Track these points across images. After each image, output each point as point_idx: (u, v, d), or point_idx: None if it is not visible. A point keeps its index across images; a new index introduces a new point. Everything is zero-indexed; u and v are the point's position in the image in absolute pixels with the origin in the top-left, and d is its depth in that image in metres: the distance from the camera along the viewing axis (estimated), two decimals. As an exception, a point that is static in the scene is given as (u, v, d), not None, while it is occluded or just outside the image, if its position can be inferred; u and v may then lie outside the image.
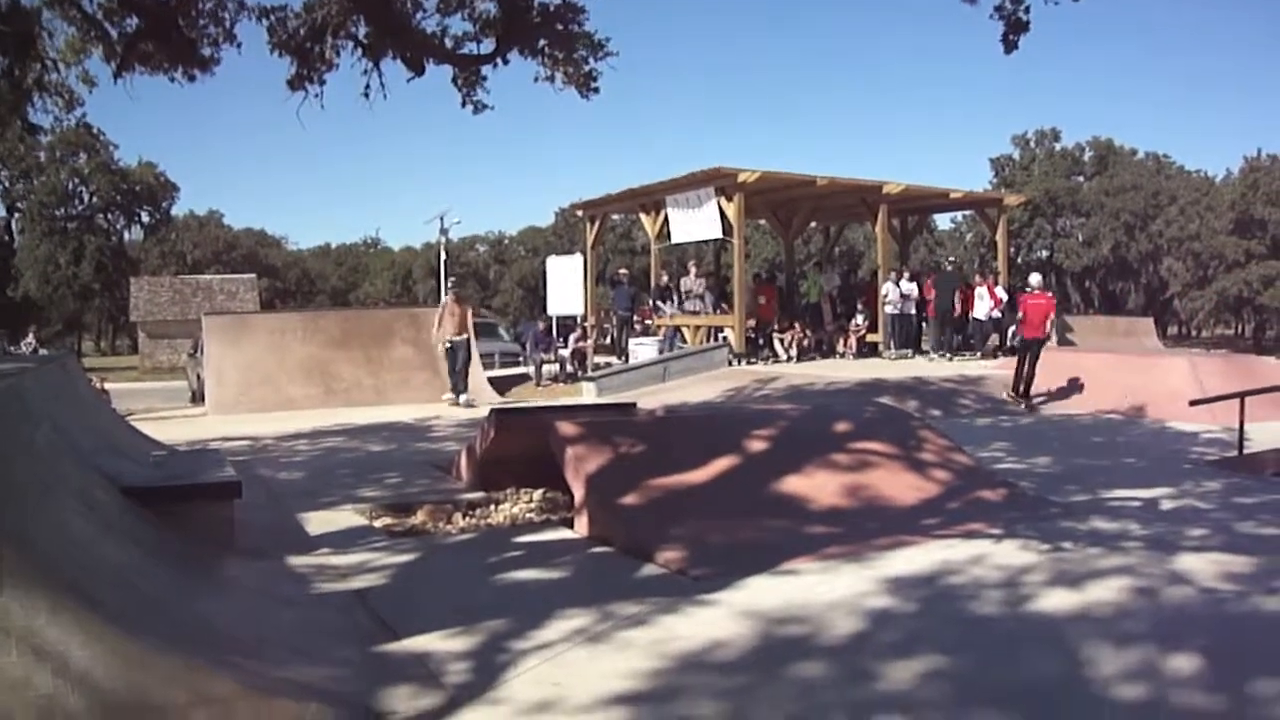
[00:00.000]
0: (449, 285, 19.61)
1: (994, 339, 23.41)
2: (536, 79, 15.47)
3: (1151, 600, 5.45)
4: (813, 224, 32.80)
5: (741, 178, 21.76)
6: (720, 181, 22.21)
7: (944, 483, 8.23)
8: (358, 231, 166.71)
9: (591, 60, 15.46)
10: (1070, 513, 7.85)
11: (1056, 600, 5.43)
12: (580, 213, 30.30)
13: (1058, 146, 73.43)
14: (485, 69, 15.60)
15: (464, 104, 15.86)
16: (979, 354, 22.75)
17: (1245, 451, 10.83)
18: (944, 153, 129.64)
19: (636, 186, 25.61)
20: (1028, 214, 63.80)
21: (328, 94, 15.03)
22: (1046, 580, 5.80)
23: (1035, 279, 17.85)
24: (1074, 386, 17.18)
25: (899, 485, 8.00)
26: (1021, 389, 16.72)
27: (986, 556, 6.37)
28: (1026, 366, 16.71)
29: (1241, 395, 11.12)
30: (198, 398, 22.87)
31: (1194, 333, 74.15)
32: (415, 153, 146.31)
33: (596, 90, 15.60)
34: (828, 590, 5.63)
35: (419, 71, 15.09)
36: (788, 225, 29.32)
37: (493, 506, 8.22)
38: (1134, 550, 6.54)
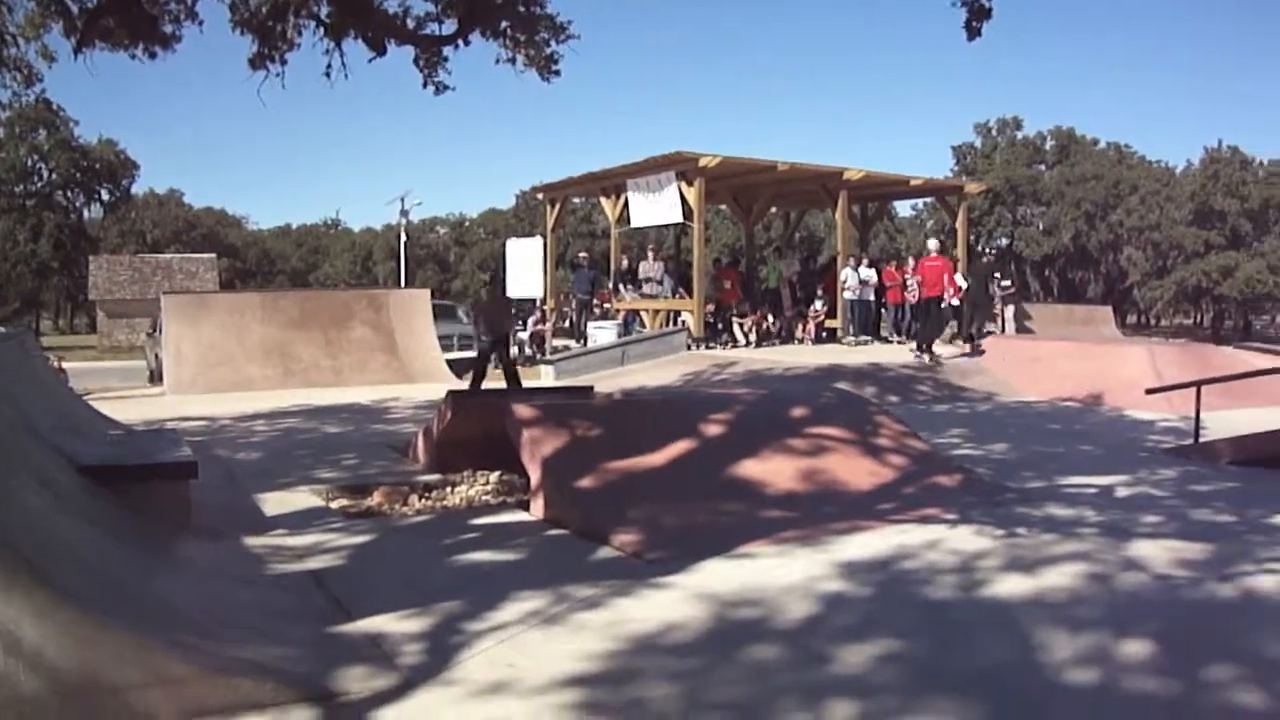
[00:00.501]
0: (486, 280, 19.32)
1: (952, 325, 23.47)
2: (498, 61, 15.47)
3: (1105, 586, 5.50)
4: (773, 210, 32.81)
5: (702, 162, 21.75)
6: (681, 166, 22.19)
7: (900, 468, 8.29)
8: (318, 212, 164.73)
9: (553, 43, 15.45)
10: (1026, 499, 7.92)
11: (1011, 585, 5.47)
12: (541, 195, 30.13)
13: (1019, 135, 73.52)
14: (447, 50, 15.57)
15: (425, 85, 15.84)
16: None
17: (1201, 440, 10.93)
18: (906, 140, 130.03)
19: (597, 170, 25.56)
20: (988, 202, 63.92)
21: (289, 73, 14.95)
22: (1001, 565, 5.85)
23: (932, 244, 21.01)
24: (1032, 374, 17.29)
25: (855, 470, 8.05)
26: (925, 344, 18.87)
27: (941, 541, 6.42)
28: (930, 323, 19.18)
29: (1198, 384, 11.20)
30: (156, 377, 22.66)
31: (1153, 322, 74.79)
32: (376, 133, 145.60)
33: (558, 73, 15.59)
34: (783, 574, 5.66)
35: (380, 52, 15.02)
36: (748, 211, 29.37)
37: (449, 489, 8.22)
38: (1089, 536, 6.61)
